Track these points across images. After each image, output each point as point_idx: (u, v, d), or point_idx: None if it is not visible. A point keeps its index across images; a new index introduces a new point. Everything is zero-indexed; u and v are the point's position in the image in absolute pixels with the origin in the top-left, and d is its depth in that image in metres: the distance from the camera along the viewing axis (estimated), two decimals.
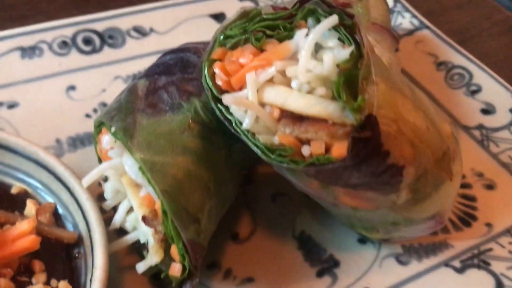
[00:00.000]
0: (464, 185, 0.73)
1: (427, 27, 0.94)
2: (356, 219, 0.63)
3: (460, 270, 0.64)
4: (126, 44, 0.86)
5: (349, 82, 0.52)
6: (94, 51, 0.84)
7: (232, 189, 0.60)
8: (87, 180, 0.55)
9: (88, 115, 0.77)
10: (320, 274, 0.63)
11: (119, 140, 0.54)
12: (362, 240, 0.67)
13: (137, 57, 0.85)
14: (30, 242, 0.52)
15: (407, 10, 0.97)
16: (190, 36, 0.87)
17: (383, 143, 0.52)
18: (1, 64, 0.81)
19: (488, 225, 0.68)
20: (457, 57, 0.90)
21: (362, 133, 0.51)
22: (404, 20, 0.95)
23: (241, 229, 0.67)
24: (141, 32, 0.88)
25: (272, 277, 0.62)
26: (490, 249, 0.65)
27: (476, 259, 0.64)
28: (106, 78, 0.82)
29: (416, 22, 0.95)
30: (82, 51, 0.84)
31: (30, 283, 0.53)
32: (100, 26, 0.87)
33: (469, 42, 1.00)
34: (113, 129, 0.55)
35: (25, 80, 0.80)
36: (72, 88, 0.80)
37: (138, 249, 0.59)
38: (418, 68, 0.89)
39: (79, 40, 0.84)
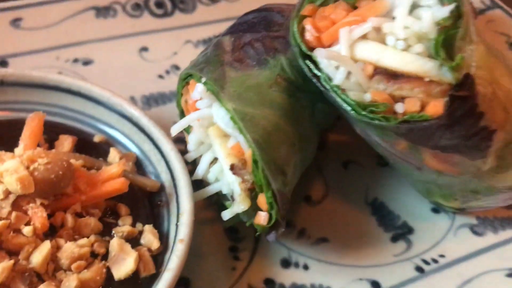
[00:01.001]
0: None
1: (499, 6, 0.92)
2: (436, 185, 0.62)
3: None
4: (196, 10, 0.87)
5: (446, 41, 0.51)
6: (166, 14, 0.86)
7: (312, 148, 0.61)
8: (176, 128, 0.56)
9: (160, 76, 0.78)
10: (394, 239, 0.63)
11: (210, 90, 0.54)
12: (436, 210, 0.66)
13: (207, 23, 0.86)
14: (119, 184, 0.53)
15: None
16: (258, 3, 0.88)
17: (479, 104, 0.52)
18: (76, 23, 0.82)
19: None
20: None
21: (460, 92, 0.50)
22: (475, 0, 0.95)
23: (313, 192, 0.67)
24: None
25: (347, 239, 0.63)
26: None
27: None
28: (177, 42, 0.83)
29: (487, 1, 0.93)
30: (154, 14, 0.85)
31: (117, 224, 0.54)
32: None
33: None
34: (203, 79, 0.55)
35: (99, 39, 0.81)
36: (144, 49, 0.81)
37: (217, 202, 0.60)
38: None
39: (151, 3, 0.86)
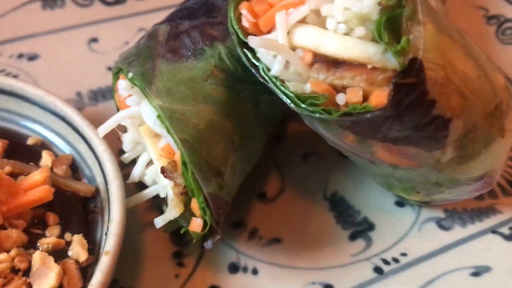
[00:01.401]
0: None
1: None
2: (394, 179, 0.58)
3: (509, 237, 0.60)
4: None
5: (391, 22, 0.47)
6: (118, 2, 0.82)
7: (259, 144, 0.56)
8: (103, 129, 0.52)
9: (110, 68, 0.75)
10: (353, 237, 0.60)
11: (136, 86, 0.50)
12: (400, 203, 0.63)
13: (161, 8, 0.82)
14: (43, 192, 0.50)
15: None
16: None
17: (429, 91, 0.47)
18: (22, 15, 0.79)
19: None
20: (510, 10, 0.84)
21: (406, 79, 0.46)
22: None
23: (268, 189, 0.64)
24: None
25: (301, 239, 0.60)
26: None
27: None
28: (129, 31, 0.79)
29: None
30: (105, 2, 0.81)
31: (43, 235, 0.51)
32: None
33: None
34: (130, 74, 0.51)
35: (46, 32, 0.78)
36: (94, 40, 0.78)
37: (158, 205, 0.56)
38: (466, 23, 0.84)
39: None
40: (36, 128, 0.61)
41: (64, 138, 0.60)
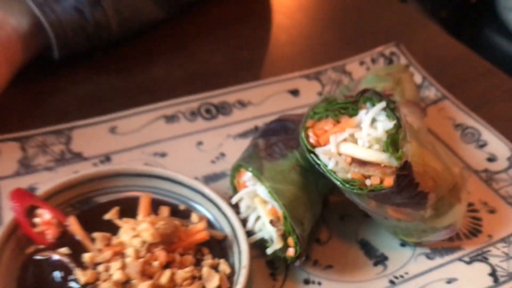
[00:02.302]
0: (473, 210, 0.97)
1: (447, 98, 1.19)
2: (398, 228, 0.94)
3: (468, 263, 0.89)
4: (233, 113, 1.15)
5: (393, 142, 0.84)
6: (212, 117, 1.15)
7: (319, 208, 0.94)
8: (235, 199, 0.90)
9: (213, 161, 1.04)
10: (375, 264, 0.89)
11: (254, 175, 0.89)
12: (403, 244, 0.91)
13: (240, 121, 1.13)
14: (204, 235, 0.84)
15: (432, 85, 1.22)
16: (276, 106, 1.18)
17: (415, 178, 0.83)
18: (153, 127, 1.11)
19: (489, 236, 0.93)
20: (470, 120, 1.12)
21: (402, 172, 0.76)
22: (430, 93, 1.21)
23: (321, 236, 0.93)
24: (242, 104, 1.16)
25: (344, 265, 0.88)
26: (490, 250, 0.91)
27: (480, 256, 0.93)
28: (221, 136, 1.09)
29: (439, 94, 1.20)
30: (204, 118, 1.14)
31: (203, 260, 0.85)
32: (215, 100, 1.17)
33: (484, 107, 1.21)
34: (250, 169, 0.90)
35: (169, 138, 1.10)
36: (200, 143, 1.08)
37: (261, 244, 0.92)
38: (440, 128, 1.12)
39: (202, 110, 1.15)
40: (184, 199, 0.91)
41: (201, 205, 0.90)
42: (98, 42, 1.24)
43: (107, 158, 1.07)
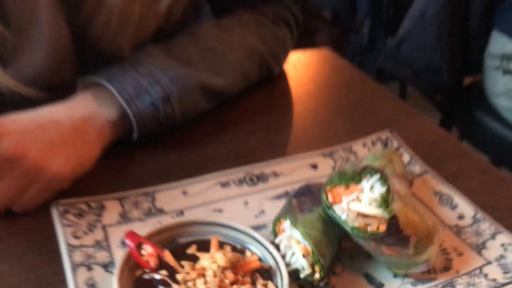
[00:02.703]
0: (446, 253, 1.16)
1: (429, 172, 1.54)
2: (391, 262, 1.24)
3: None
4: (269, 181, 1.50)
5: (385, 201, 1.22)
6: (254, 184, 1.49)
7: (335, 248, 1.33)
8: (277, 240, 1.30)
9: (256, 216, 1.30)
10: None
11: (291, 223, 1.29)
12: (395, 275, 1.10)
13: (275, 187, 1.44)
14: (257, 264, 1.24)
15: (418, 162, 1.54)
16: (300, 176, 1.52)
17: (400, 226, 1.16)
18: (212, 191, 1.45)
19: (457, 271, 1.12)
20: (446, 189, 1.34)
21: (391, 222, 1.14)
22: (416, 168, 1.50)
23: (336, 270, 1.17)
24: (276, 174, 1.48)
25: None
26: (457, 280, 1.23)
27: (449, 285, 1.32)
28: (261, 198, 1.38)
29: (423, 169, 1.51)
30: (248, 184, 1.48)
31: (256, 280, 1.23)
32: (256, 171, 1.50)
33: (458, 179, 1.50)
34: (288, 219, 1.31)
35: (224, 198, 1.43)
36: (246, 203, 1.37)
37: (295, 273, 1.29)
38: (423, 195, 1.34)
39: (247, 179, 1.53)
40: (239, 241, 1.23)
41: (252, 245, 1.12)
42: (165, 128, 1.68)
43: (181, 212, 1.43)
